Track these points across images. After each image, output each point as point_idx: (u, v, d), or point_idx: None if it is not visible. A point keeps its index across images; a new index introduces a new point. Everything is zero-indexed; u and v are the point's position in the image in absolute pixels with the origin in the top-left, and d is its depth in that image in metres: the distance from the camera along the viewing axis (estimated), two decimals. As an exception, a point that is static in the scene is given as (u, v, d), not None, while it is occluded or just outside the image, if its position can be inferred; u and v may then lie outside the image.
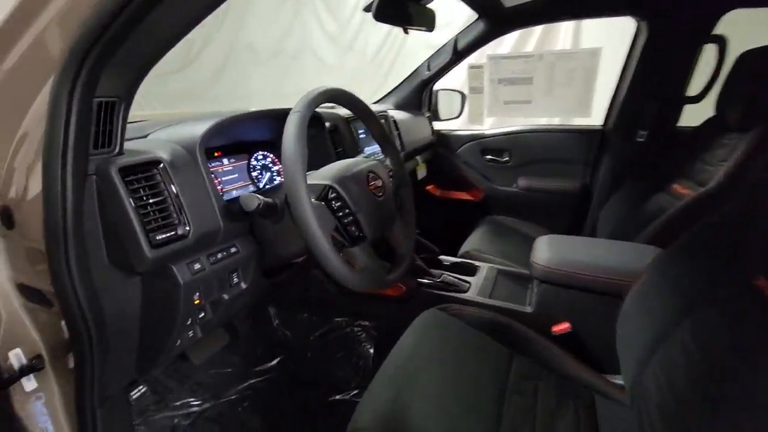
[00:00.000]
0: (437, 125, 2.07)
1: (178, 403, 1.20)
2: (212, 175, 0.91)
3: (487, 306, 1.12)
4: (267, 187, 1.07)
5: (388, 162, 0.98)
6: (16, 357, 0.72)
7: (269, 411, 1.22)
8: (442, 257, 1.42)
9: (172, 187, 0.67)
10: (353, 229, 0.74)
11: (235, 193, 0.98)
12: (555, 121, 2.14)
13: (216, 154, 0.96)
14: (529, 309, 1.10)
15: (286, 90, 3.41)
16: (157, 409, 1.15)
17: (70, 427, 0.73)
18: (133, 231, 0.60)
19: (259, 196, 0.72)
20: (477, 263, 1.37)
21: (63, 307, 0.60)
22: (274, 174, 1.11)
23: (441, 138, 2.06)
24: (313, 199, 0.71)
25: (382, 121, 1.52)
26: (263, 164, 1.08)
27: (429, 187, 2.12)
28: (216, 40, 3.97)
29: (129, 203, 0.60)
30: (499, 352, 0.90)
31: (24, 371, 0.71)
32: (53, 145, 0.54)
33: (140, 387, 1.08)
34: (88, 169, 0.58)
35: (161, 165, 0.66)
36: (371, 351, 1.37)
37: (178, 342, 0.77)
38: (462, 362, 0.86)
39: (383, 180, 0.85)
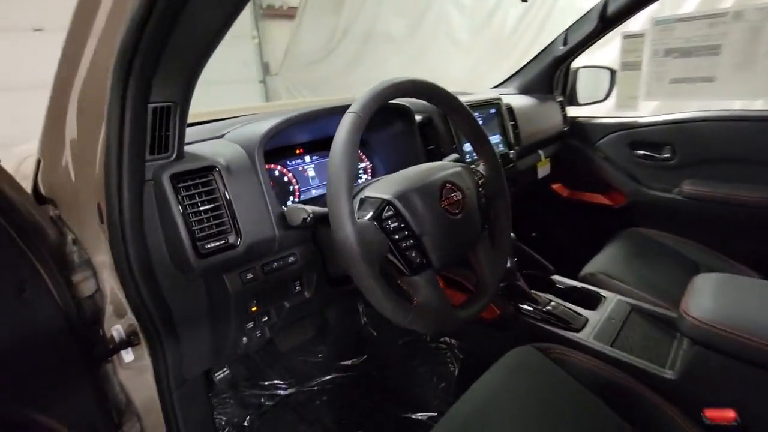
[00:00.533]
0: (572, 111, 1.72)
1: (266, 383, 1.27)
2: (286, 177, 0.89)
3: (607, 357, 0.86)
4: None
5: (481, 167, 0.80)
6: (117, 331, 0.82)
7: (342, 411, 1.20)
8: (556, 277, 1.16)
9: (226, 193, 0.64)
10: (414, 255, 0.61)
11: (314, 193, 0.94)
12: (756, 105, 1.55)
13: (298, 152, 0.93)
14: (670, 374, 0.80)
15: (417, 73, 3.33)
16: (246, 386, 1.23)
17: (155, 403, 0.80)
18: (180, 240, 0.60)
19: (307, 207, 0.65)
20: (603, 292, 1.08)
21: (129, 303, 0.64)
22: (359, 172, 1.03)
23: (576, 127, 1.70)
24: (366, 217, 0.60)
25: (491, 110, 1.30)
26: (348, 162, 1.01)
27: (555, 186, 1.79)
28: (353, 30, 4.14)
29: (178, 210, 0.59)
30: (614, 426, 0.67)
31: (122, 345, 0.80)
32: (110, 151, 0.55)
33: (224, 369, 1.17)
34: (145, 174, 0.59)
35: (216, 170, 0.64)
36: (455, 373, 1.22)
37: (245, 340, 0.77)
38: (556, 425, 0.66)
39: (464, 192, 0.69)
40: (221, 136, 0.76)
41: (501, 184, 0.81)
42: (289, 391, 1.26)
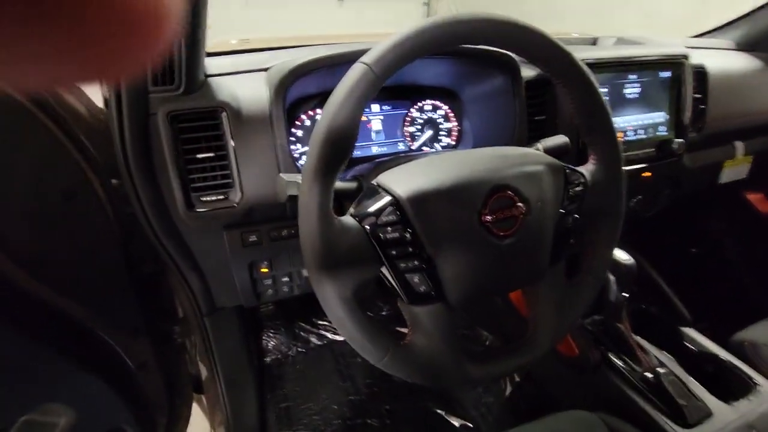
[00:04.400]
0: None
1: (320, 323, 1.29)
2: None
3: None
4: (423, 149, 0.81)
5: (588, 166, 0.52)
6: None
7: (375, 378, 1.14)
8: (689, 332, 0.82)
9: (232, 141, 0.55)
10: (417, 280, 0.43)
11: (374, 151, 0.79)
12: None
13: (365, 97, 0.77)
14: None
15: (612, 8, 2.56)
16: (302, 321, 1.27)
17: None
18: (170, 186, 0.53)
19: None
20: (759, 378, 0.72)
21: (149, 240, 0.63)
22: (442, 134, 0.82)
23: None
24: (359, 214, 0.43)
25: (662, 74, 0.86)
26: (428, 118, 0.81)
27: (751, 197, 1.23)
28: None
29: (171, 154, 0.52)
30: None
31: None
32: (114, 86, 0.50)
33: (269, 305, 1.20)
34: (149, 107, 0.52)
35: (224, 113, 0.54)
36: (505, 392, 1.02)
37: (270, 292, 0.73)
38: None
39: (530, 205, 0.45)
40: (265, 69, 0.65)
41: (615, 196, 0.53)
42: (337, 338, 1.26)
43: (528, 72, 0.71)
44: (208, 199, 0.55)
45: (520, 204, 0.45)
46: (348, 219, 0.42)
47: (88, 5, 0.10)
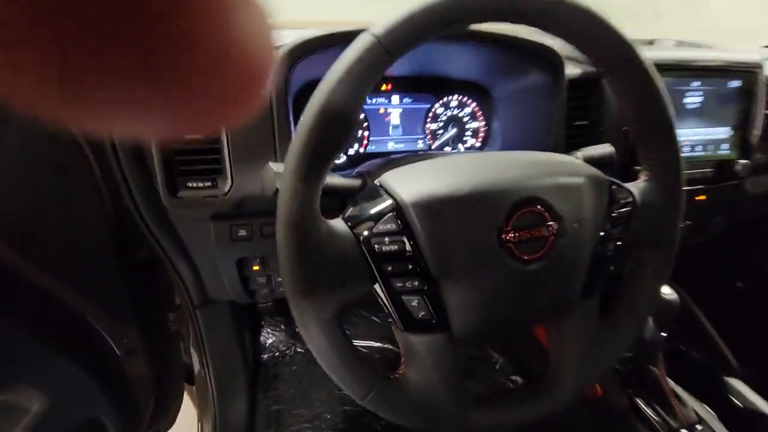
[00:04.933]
0: None
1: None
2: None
3: None
4: (445, 150, 0.73)
5: (641, 182, 0.43)
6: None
7: None
8: (735, 383, 0.71)
9: (225, 124, 0.48)
10: (416, 304, 0.35)
11: (390, 147, 0.72)
12: None
13: (385, 88, 0.69)
14: None
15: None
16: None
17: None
18: (153, 170, 0.48)
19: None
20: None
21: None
22: (467, 134, 0.74)
23: None
24: (355, 219, 0.36)
25: (730, 83, 0.73)
26: (453, 115, 0.73)
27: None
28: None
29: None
30: None
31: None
32: None
33: (269, 300, 1.14)
34: None
35: None
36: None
37: (265, 291, 0.68)
38: None
39: (563, 224, 0.37)
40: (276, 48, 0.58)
41: (669, 223, 0.43)
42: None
43: (572, 70, 0.61)
44: (194, 185, 0.50)
45: (551, 222, 0.36)
46: (338, 223, 0.35)
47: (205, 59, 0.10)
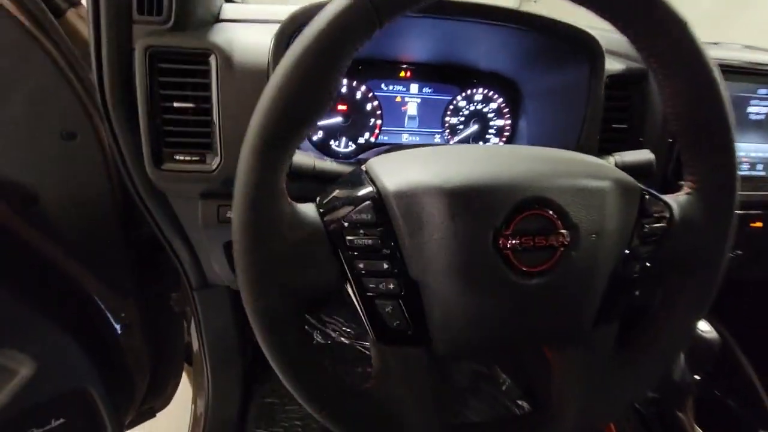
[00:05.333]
0: None
1: (327, 320, 1.19)
2: (369, 104, 0.63)
3: None
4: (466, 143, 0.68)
5: (682, 195, 0.36)
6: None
7: None
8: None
9: (217, 94, 0.45)
10: (390, 310, 0.30)
11: (403, 140, 0.67)
12: None
13: (403, 75, 0.64)
14: None
15: None
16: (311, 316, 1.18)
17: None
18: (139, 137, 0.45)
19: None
20: None
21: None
22: (491, 131, 0.68)
23: None
24: (325, 207, 0.31)
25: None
26: (476, 109, 0.67)
27: None
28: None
29: (143, 97, 0.44)
30: None
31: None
32: (93, 7, 0.42)
33: None
34: (133, 40, 0.44)
35: (212, 58, 0.44)
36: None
37: None
38: None
39: (578, 233, 0.30)
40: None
41: (715, 245, 0.36)
42: (343, 340, 1.16)
43: (614, 64, 0.54)
44: (182, 158, 0.47)
45: (563, 231, 0.30)
46: (308, 208, 0.31)
47: None
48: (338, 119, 0.62)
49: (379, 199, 0.30)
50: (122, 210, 0.69)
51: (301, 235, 0.29)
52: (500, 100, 0.66)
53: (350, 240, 0.29)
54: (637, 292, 0.35)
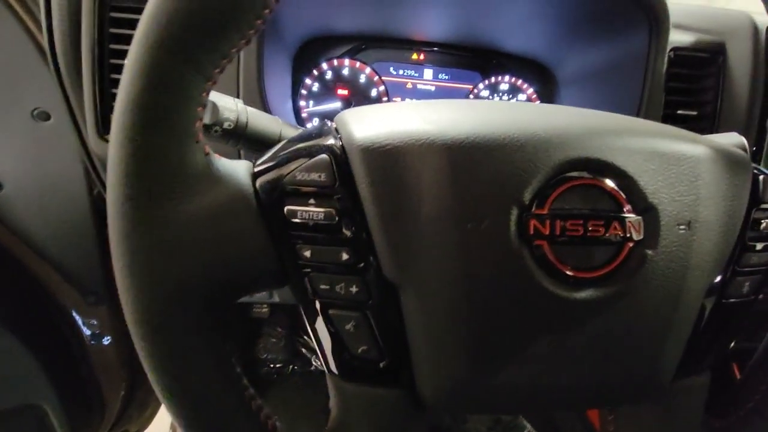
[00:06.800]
0: None
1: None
2: (375, 88, 0.54)
3: None
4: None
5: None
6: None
7: None
8: None
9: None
10: (353, 329, 0.19)
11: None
12: None
13: (415, 57, 0.55)
14: None
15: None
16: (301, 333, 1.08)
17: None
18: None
19: (221, 103, 0.28)
20: None
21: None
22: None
23: None
24: (243, 161, 0.21)
25: None
26: (501, 100, 0.57)
27: None
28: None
29: (88, 52, 0.36)
30: None
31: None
32: None
33: (263, 306, 1.02)
34: None
35: None
36: None
37: None
38: None
39: (663, 224, 0.19)
40: None
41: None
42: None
43: (680, 36, 0.42)
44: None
45: (632, 216, 0.18)
46: (236, 164, 0.20)
47: None
48: (337, 104, 0.53)
49: (341, 153, 0.19)
50: (98, 204, 0.61)
51: (215, 198, 0.19)
52: (530, 90, 0.56)
53: (291, 211, 0.19)
54: (745, 324, 0.22)
